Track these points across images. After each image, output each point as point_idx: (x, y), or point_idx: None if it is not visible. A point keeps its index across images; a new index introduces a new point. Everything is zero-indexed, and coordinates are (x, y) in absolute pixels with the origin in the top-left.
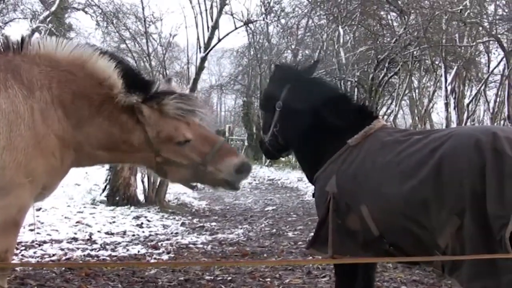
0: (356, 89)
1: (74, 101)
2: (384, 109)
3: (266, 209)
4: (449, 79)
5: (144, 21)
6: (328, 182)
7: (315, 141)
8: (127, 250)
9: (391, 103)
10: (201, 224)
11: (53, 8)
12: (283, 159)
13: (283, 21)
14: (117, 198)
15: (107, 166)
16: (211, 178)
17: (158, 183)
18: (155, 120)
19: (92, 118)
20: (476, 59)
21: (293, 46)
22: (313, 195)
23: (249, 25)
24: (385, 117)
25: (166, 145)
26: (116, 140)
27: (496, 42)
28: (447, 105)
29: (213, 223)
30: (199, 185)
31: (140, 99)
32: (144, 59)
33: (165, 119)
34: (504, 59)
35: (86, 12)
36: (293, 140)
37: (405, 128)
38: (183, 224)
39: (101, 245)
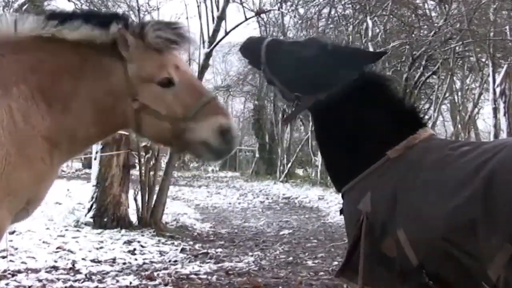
0: None
1: (54, 83)
2: (420, 115)
3: (281, 232)
4: (498, 79)
5: (138, 11)
6: (361, 199)
7: (348, 144)
8: (117, 281)
9: (428, 108)
10: (205, 251)
11: None
12: (300, 173)
13: (301, 10)
14: (105, 219)
15: (93, 182)
16: (190, 138)
17: (154, 202)
18: (138, 52)
19: (77, 88)
20: None
21: None
22: (341, 212)
23: (261, 15)
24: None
25: (146, 87)
26: (102, 95)
27: None
28: (495, 110)
29: (219, 249)
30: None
31: (122, 26)
32: None
33: (149, 52)
34: None
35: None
36: (323, 139)
37: (455, 139)
38: (183, 250)
39: (86, 275)
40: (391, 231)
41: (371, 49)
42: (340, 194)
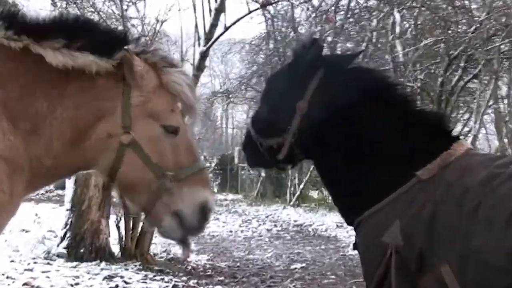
0: (419, 98)
1: (23, 97)
2: (459, 126)
3: (292, 267)
4: None
5: (121, 1)
6: (386, 230)
7: (360, 168)
8: None
9: (468, 118)
10: None
11: None
12: (315, 195)
13: (315, 2)
14: (82, 250)
15: (67, 205)
16: (166, 203)
17: (139, 229)
18: (148, 82)
19: (54, 107)
20: None
21: (329, 38)
22: (355, 247)
23: (268, 7)
24: (461, 137)
25: (146, 124)
26: (86, 120)
27: None
28: None
29: (218, 287)
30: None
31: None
32: None
33: (160, 89)
34: None
35: None
36: (323, 162)
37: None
38: (175, 287)
39: None
40: (431, 266)
41: (398, 48)
42: (354, 226)
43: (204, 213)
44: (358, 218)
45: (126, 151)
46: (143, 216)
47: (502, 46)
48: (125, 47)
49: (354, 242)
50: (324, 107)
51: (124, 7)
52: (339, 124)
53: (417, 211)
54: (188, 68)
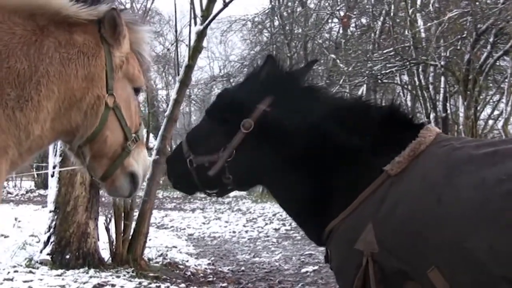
0: (442, 78)
1: (1, 65)
2: (488, 109)
3: (303, 270)
4: None
5: None
6: (359, 237)
7: (321, 175)
8: None
9: (499, 100)
10: None
11: None
12: None
13: None
14: (68, 257)
15: (50, 207)
16: (125, 164)
17: (132, 232)
18: (127, 42)
19: (36, 66)
20: None
21: (341, 12)
22: (326, 260)
23: None
24: (490, 121)
25: (124, 85)
26: (74, 80)
27: None
28: None
29: None
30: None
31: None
32: None
33: (132, 50)
34: None
35: None
36: (271, 177)
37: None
38: None
39: None
40: (416, 273)
41: (420, 23)
42: (324, 239)
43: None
44: (326, 228)
45: (109, 114)
46: (136, 214)
47: None
48: (112, 6)
49: (325, 254)
50: (274, 123)
51: None
52: (292, 138)
53: (390, 212)
54: (184, 51)
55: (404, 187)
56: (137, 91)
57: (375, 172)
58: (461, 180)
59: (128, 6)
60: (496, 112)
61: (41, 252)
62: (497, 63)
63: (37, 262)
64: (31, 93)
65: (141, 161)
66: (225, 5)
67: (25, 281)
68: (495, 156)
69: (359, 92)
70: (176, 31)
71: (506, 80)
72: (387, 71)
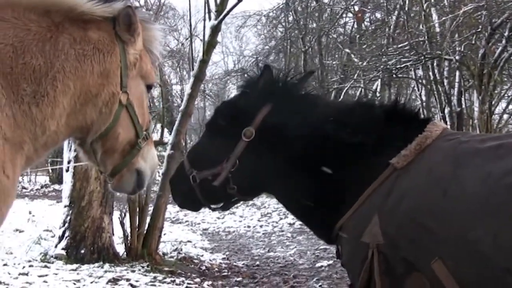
0: (457, 72)
1: (18, 59)
2: (503, 103)
3: (318, 264)
4: None
5: None
6: (365, 229)
7: (326, 175)
8: None
9: None
10: None
11: None
12: None
13: None
14: (83, 251)
15: (65, 201)
16: (134, 161)
17: (147, 226)
18: (140, 39)
19: (52, 62)
20: None
21: (355, 7)
22: (338, 256)
23: None
24: (505, 116)
25: (138, 82)
26: (89, 76)
27: None
28: None
29: None
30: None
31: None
32: None
33: (145, 48)
34: None
35: None
36: (276, 182)
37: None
38: None
39: None
40: (421, 264)
41: (434, 17)
42: (334, 237)
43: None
44: (337, 225)
45: (123, 111)
46: (150, 209)
47: None
48: (127, 3)
49: (336, 250)
50: (277, 130)
51: None
52: (295, 142)
53: (396, 205)
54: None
55: (410, 180)
56: (149, 88)
57: (381, 167)
58: (467, 174)
59: (142, 1)
60: (511, 107)
61: (56, 246)
62: None
63: (52, 256)
64: (47, 89)
65: (150, 159)
66: (239, 0)
67: (40, 276)
68: (500, 150)
69: (374, 87)
70: (190, 26)
71: None
72: (402, 65)
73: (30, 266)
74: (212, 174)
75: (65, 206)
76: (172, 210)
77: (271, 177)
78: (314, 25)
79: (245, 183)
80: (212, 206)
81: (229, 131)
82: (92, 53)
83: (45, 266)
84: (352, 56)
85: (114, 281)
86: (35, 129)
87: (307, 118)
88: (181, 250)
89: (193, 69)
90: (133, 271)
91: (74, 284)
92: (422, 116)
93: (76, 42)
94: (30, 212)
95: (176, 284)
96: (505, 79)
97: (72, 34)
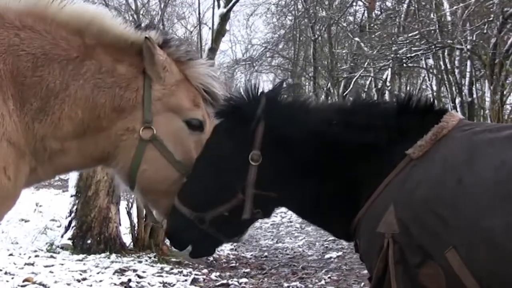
0: (468, 62)
1: (35, 71)
2: None
3: (327, 256)
4: None
5: None
6: (381, 219)
7: (345, 169)
8: None
9: None
10: (224, 281)
11: None
12: None
13: None
14: (89, 241)
15: (71, 191)
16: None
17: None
18: (170, 75)
19: (68, 84)
20: None
21: None
22: (356, 250)
23: None
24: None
25: (168, 118)
26: (102, 108)
27: None
28: None
29: (243, 280)
30: None
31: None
32: (130, 19)
33: (183, 83)
34: None
35: None
36: (291, 193)
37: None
38: (195, 281)
39: None
40: (435, 254)
41: (445, 6)
42: (352, 230)
43: None
44: (355, 219)
45: (147, 148)
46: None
47: None
48: (146, 36)
49: (354, 244)
50: (283, 144)
51: None
52: (305, 150)
53: (411, 193)
54: (206, 34)
55: (425, 169)
56: (195, 125)
57: (397, 158)
58: (482, 162)
59: None
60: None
61: (62, 236)
62: None
63: (58, 247)
64: (53, 108)
65: None
66: None
67: (46, 266)
68: (506, 139)
69: (384, 76)
70: (199, 13)
71: None
72: (412, 54)
73: (36, 256)
74: (229, 209)
75: (71, 196)
76: None
77: (288, 193)
78: (324, 13)
79: (268, 204)
80: (235, 238)
81: (231, 160)
82: (109, 86)
83: (51, 257)
84: (362, 45)
85: (121, 271)
86: (35, 143)
87: (309, 126)
88: None
89: (201, 57)
90: (140, 262)
91: (80, 274)
92: (437, 107)
93: (99, 72)
94: (36, 203)
95: (183, 275)
96: None
97: (101, 62)
